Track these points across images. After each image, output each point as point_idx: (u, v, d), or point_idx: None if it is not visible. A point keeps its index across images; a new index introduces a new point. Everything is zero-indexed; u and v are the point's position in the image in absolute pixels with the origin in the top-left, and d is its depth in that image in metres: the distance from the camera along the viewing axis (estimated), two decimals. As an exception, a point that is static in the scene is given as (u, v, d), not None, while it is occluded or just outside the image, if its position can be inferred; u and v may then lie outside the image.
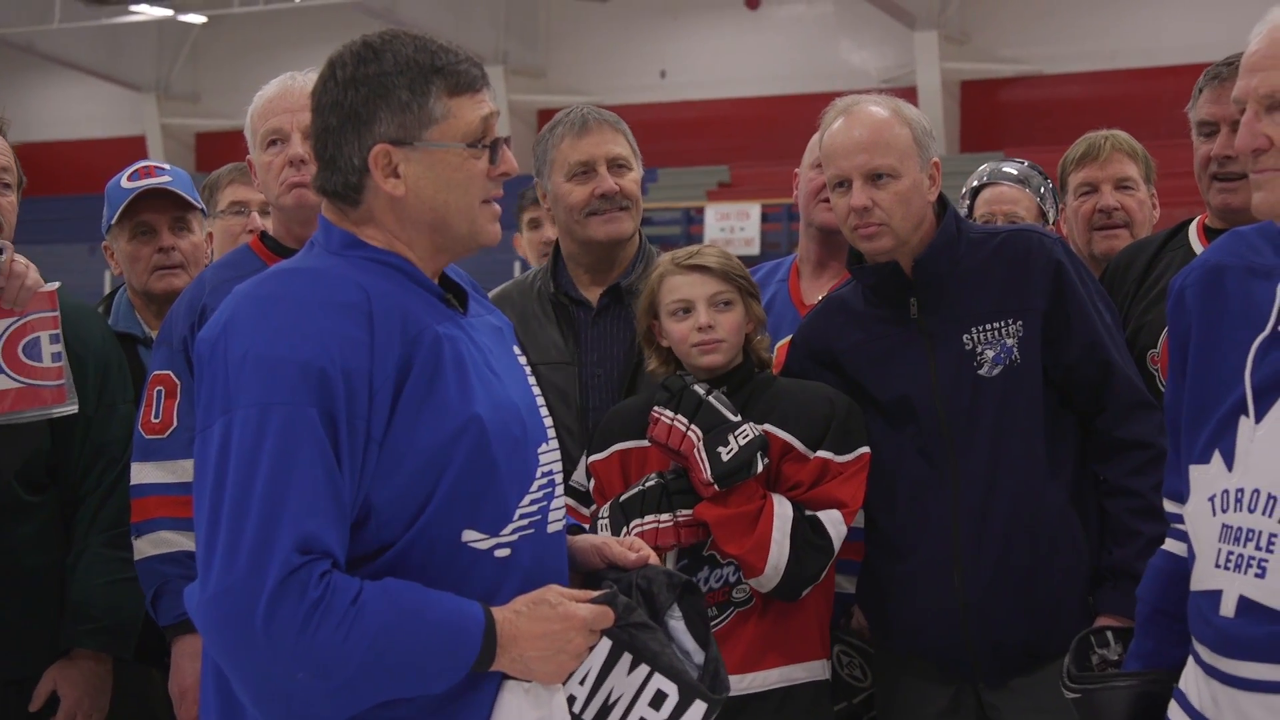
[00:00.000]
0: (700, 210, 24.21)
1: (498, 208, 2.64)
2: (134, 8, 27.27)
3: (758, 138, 25.41)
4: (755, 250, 22.34)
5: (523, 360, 2.72)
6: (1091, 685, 2.91)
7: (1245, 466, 2.59)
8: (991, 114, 25.69)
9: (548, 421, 2.68)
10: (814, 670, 3.53)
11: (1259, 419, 2.59)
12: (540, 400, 2.69)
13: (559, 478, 2.67)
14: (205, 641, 2.43)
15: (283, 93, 3.70)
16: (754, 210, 23.68)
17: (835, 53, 27.11)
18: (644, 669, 2.55)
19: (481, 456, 2.47)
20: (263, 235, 3.84)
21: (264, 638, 2.30)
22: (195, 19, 28.38)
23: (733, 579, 3.46)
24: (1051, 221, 4.67)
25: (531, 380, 2.70)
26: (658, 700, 2.55)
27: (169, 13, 27.52)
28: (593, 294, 3.91)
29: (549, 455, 2.64)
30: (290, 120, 3.65)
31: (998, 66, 26.21)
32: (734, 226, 23.43)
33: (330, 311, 2.41)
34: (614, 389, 3.83)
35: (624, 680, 2.55)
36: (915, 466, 3.52)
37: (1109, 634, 3.07)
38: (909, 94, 26.33)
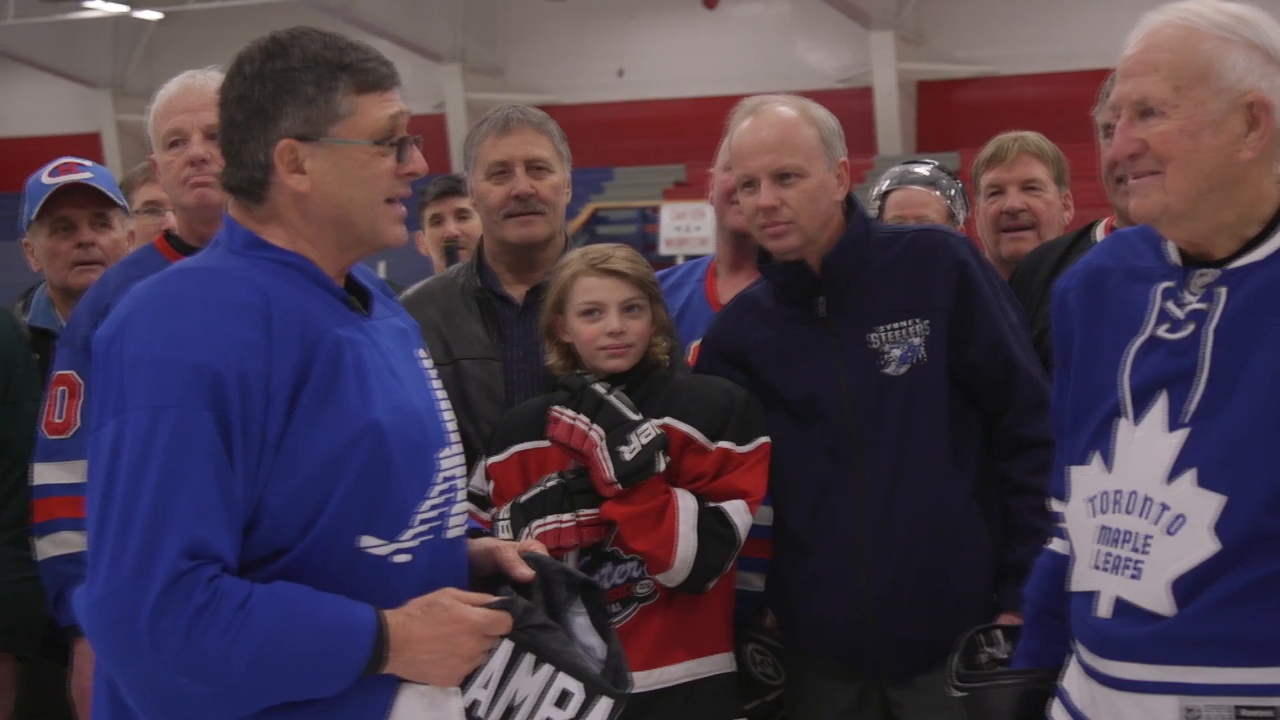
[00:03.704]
0: (656, 209, 24.25)
1: (403, 208, 2.62)
2: (88, 3, 27.15)
3: (714, 137, 24.95)
4: (710, 249, 22.33)
5: (427, 363, 2.71)
6: (978, 684, 2.93)
7: (1123, 468, 2.62)
8: (947, 114, 25.83)
9: (451, 426, 2.67)
10: (719, 664, 3.55)
11: (1137, 421, 2.61)
12: (444, 405, 2.68)
13: (461, 483, 2.66)
14: (92, 645, 2.42)
15: (183, 92, 3.70)
16: (709, 210, 23.57)
17: (792, 52, 27.22)
18: (548, 669, 2.56)
19: (380, 461, 2.46)
20: (167, 234, 3.84)
21: (148, 644, 2.29)
22: (151, 15, 28.28)
23: (636, 574, 3.48)
24: (961, 223, 4.69)
25: (436, 384, 2.69)
26: (563, 699, 2.56)
27: (124, 9, 27.42)
28: (517, 291, 3.90)
29: (450, 460, 2.63)
30: (191, 120, 3.65)
31: (953, 67, 26.35)
32: (689, 226, 23.45)
33: (227, 314, 2.40)
34: (539, 386, 3.82)
35: (528, 681, 2.55)
36: (822, 465, 3.54)
37: (998, 633, 3.09)
38: (865, 94, 26.64)
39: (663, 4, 28.01)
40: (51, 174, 4.16)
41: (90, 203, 4.13)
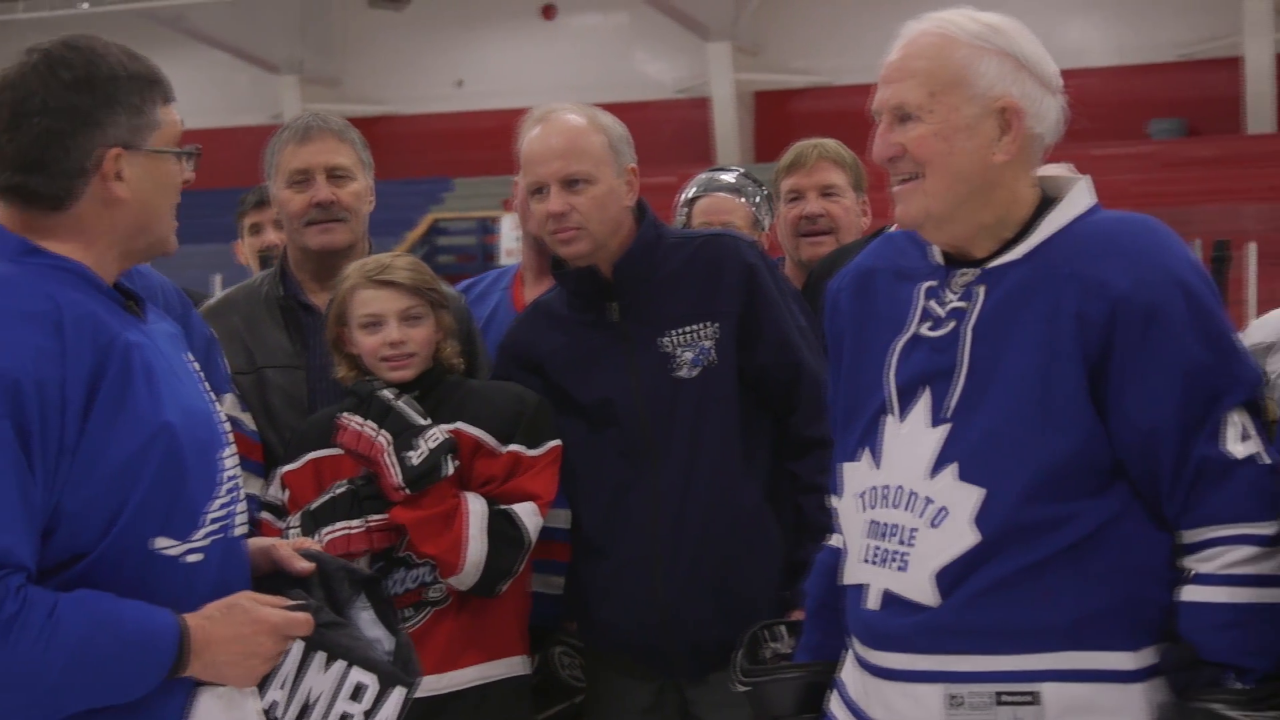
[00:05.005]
0: (496, 220, 24.22)
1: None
2: (-87, 13, 26.57)
3: (554, 148, 25.42)
4: (549, 259, 22.34)
5: (194, 366, 2.74)
6: (759, 679, 2.99)
7: (890, 464, 2.69)
8: (784, 123, 26.07)
9: (225, 427, 2.71)
10: (513, 666, 3.59)
11: (902, 417, 2.69)
12: (216, 407, 2.71)
13: (241, 483, 2.70)
14: None
15: None
16: (548, 220, 23.66)
17: (630, 63, 27.40)
18: (340, 664, 2.60)
19: (173, 463, 2.48)
20: None
21: None
22: (-22, 25, 27.73)
23: (428, 579, 3.50)
24: (766, 229, 4.76)
25: (205, 387, 2.72)
26: (358, 692, 2.60)
27: (-50, 18, 26.86)
28: (320, 299, 3.90)
29: (231, 460, 2.66)
30: None
31: (789, 77, 26.67)
32: (529, 236, 23.42)
33: (20, 321, 2.39)
34: (342, 394, 3.83)
35: (321, 678, 2.59)
36: (617, 468, 3.59)
37: (781, 628, 3.16)
38: (703, 104, 26.83)
39: (501, 15, 28.04)
40: None
41: None
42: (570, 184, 3.54)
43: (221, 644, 2.49)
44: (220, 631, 2.49)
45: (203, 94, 26.70)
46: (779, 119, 26.23)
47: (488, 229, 24.38)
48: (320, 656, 2.59)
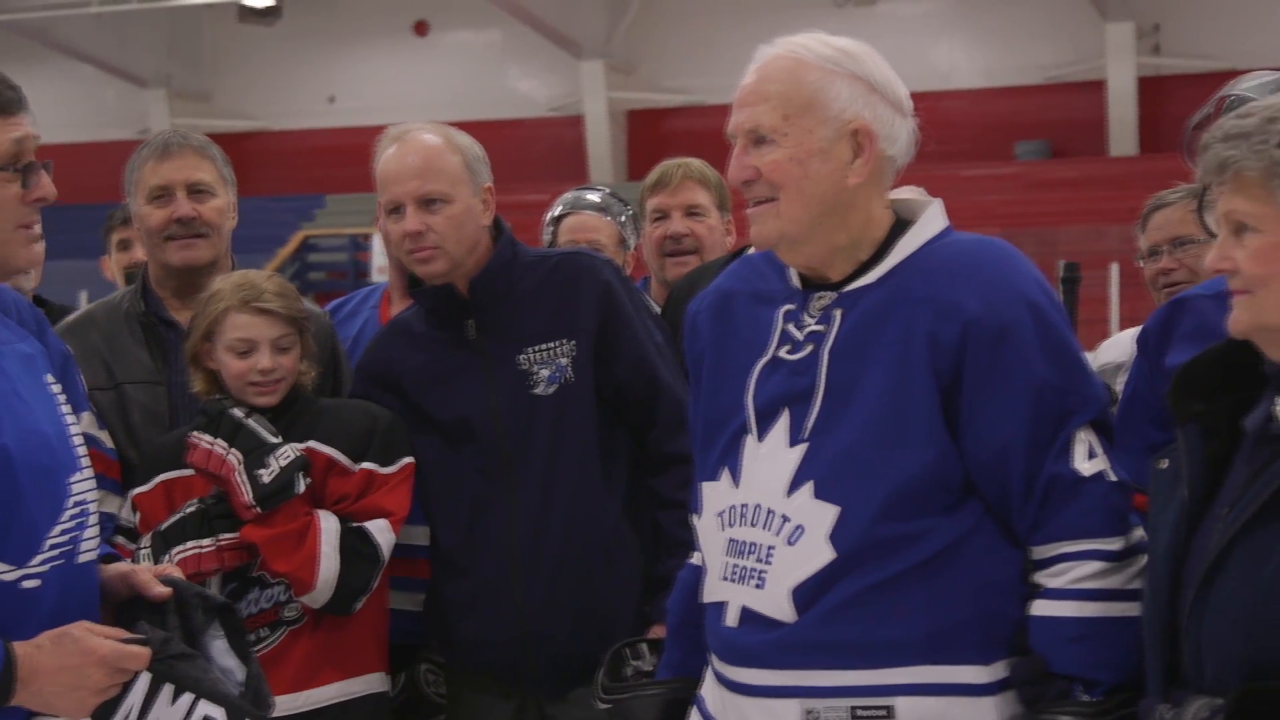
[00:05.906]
0: (367, 237, 24.04)
1: (35, 234, 2.60)
2: None
3: (426, 165, 25.32)
4: (421, 277, 22.24)
5: (55, 389, 2.69)
6: (621, 696, 3.01)
7: (749, 483, 2.72)
8: (657, 142, 26.13)
9: (81, 450, 2.66)
10: (371, 683, 3.58)
11: (761, 438, 2.72)
12: (74, 429, 2.67)
13: (93, 507, 2.65)
14: None
15: None
16: (421, 237, 23.56)
17: (503, 80, 27.38)
18: (188, 697, 2.57)
19: (7, 486, 2.44)
20: None
21: None
22: None
23: (283, 598, 3.49)
24: (632, 248, 4.79)
25: (65, 409, 2.67)
26: None
27: None
28: (182, 316, 3.88)
29: (82, 485, 2.61)
30: None
31: (662, 96, 26.78)
32: (401, 253, 23.27)
33: None
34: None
35: (168, 711, 2.56)
36: (475, 485, 3.60)
37: (644, 646, 3.17)
38: (577, 122, 26.87)
39: (374, 31, 27.88)
40: None
41: None
42: (427, 203, 3.55)
43: (49, 674, 2.45)
44: (48, 661, 2.45)
45: (69, 108, 26.31)
46: (652, 137, 26.30)
47: (359, 246, 24.20)
48: (168, 689, 2.56)
